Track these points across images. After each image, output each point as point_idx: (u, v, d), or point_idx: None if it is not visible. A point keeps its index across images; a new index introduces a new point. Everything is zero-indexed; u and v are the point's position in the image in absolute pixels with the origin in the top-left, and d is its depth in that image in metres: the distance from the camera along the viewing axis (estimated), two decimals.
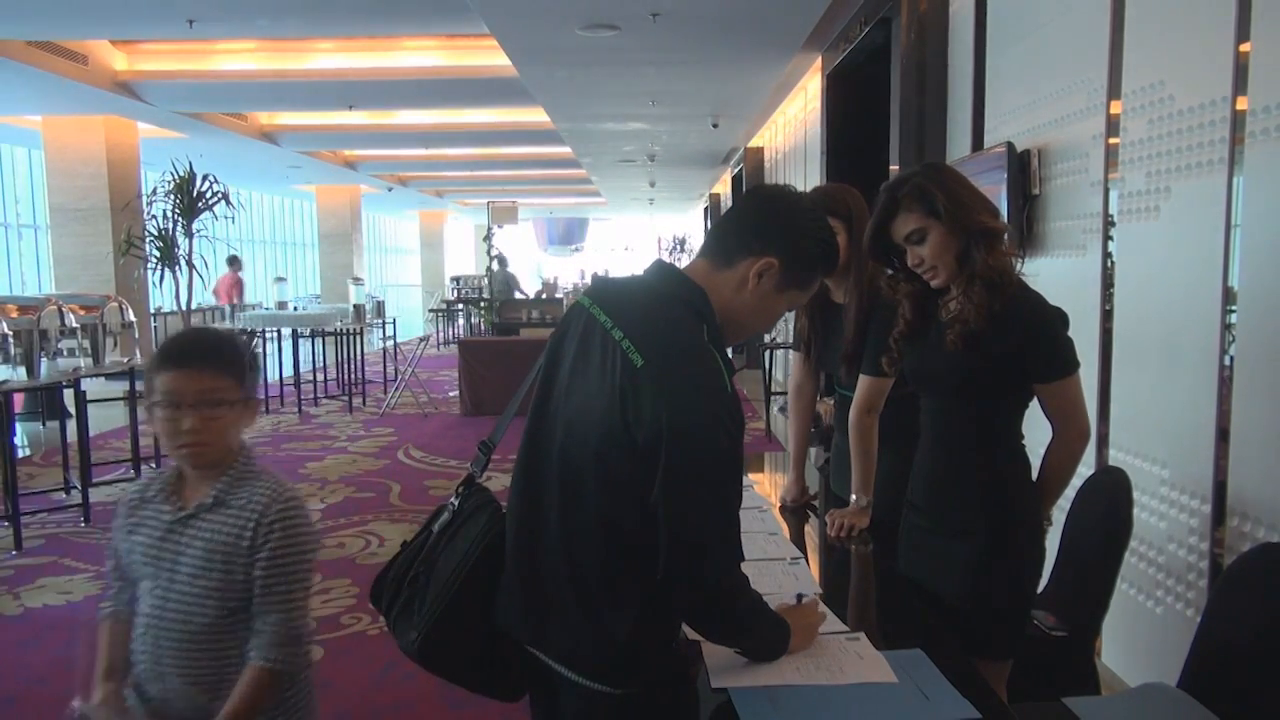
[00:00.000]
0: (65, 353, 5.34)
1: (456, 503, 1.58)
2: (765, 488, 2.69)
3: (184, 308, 9.57)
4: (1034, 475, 1.89)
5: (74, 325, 5.24)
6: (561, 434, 1.41)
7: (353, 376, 9.56)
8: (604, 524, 1.36)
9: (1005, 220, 2.00)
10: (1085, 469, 2.70)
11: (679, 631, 1.46)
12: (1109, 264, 2.85)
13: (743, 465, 1.42)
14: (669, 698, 1.43)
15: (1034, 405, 1.85)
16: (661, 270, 1.48)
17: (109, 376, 5.75)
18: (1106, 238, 2.86)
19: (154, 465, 6.07)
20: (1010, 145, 3.29)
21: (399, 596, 1.55)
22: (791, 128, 8.57)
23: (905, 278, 1.89)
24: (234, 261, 13.41)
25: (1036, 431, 1.88)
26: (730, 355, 1.44)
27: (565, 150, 12.15)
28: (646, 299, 1.44)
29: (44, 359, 4.98)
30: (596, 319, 1.42)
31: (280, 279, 13.94)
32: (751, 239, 1.44)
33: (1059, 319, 1.81)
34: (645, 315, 1.40)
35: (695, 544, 1.33)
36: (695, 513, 1.32)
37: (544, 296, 12.32)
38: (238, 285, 13.52)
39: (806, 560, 2.05)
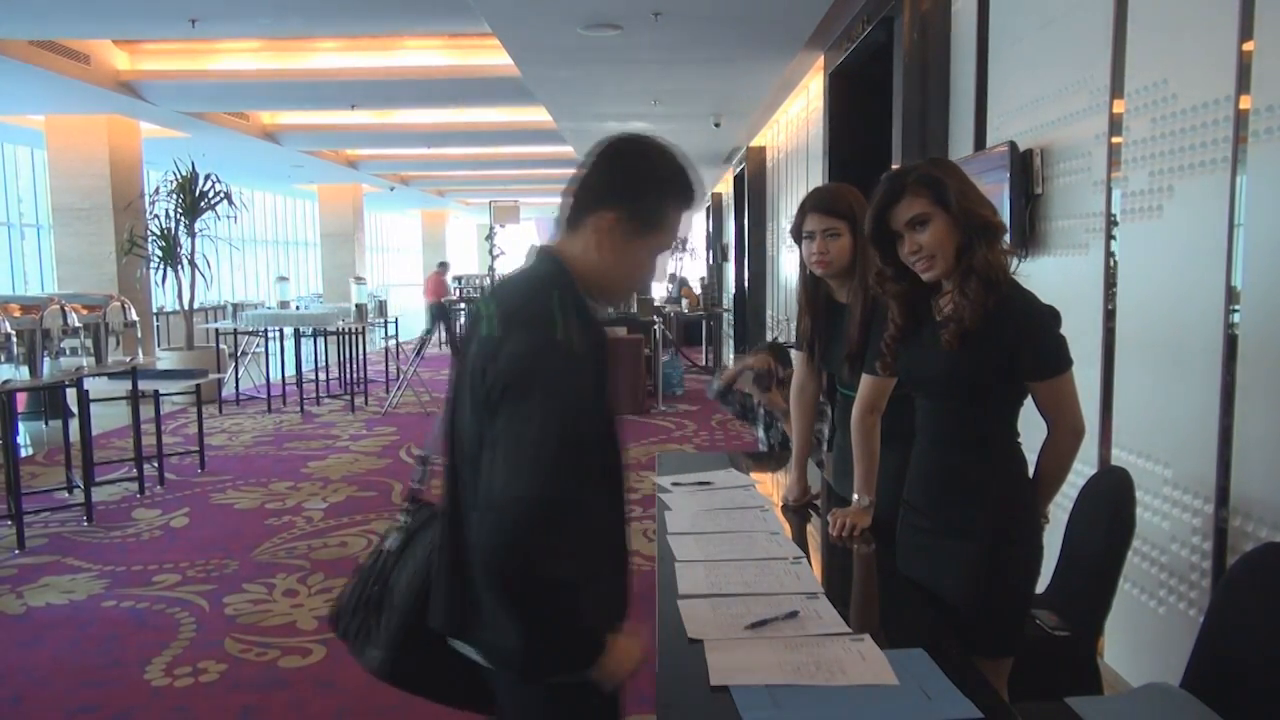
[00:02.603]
0: (68, 352, 5.34)
1: (405, 520, 1.60)
2: (767, 487, 2.69)
3: (186, 307, 9.60)
4: (1030, 473, 1.89)
5: (76, 325, 5.24)
6: (460, 423, 1.45)
7: (355, 376, 9.56)
8: None
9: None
10: (1088, 468, 2.71)
11: (598, 609, 1.45)
12: (1112, 263, 2.84)
13: (575, 434, 1.35)
14: (588, 688, 1.42)
15: (1030, 403, 1.85)
16: (533, 251, 1.55)
17: (111, 376, 5.75)
18: (1109, 237, 2.85)
19: (155, 465, 6.08)
20: (1013, 144, 3.29)
21: (355, 618, 1.56)
22: (793, 127, 8.56)
23: (894, 275, 1.89)
24: (443, 266, 14.99)
25: (1033, 430, 1.87)
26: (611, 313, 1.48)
27: (567, 150, 12.14)
28: (517, 280, 1.52)
29: (47, 358, 4.98)
30: (482, 311, 1.47)
31: (282, 278, 13.95)
32: (589, 198, 1.47)
33: (1051, 317, 1.81)
34: (510, 294, 1.48)
35: (497, 500, 1.31)
36: (505, 467, 1.32)
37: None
38: (442, 285, 15.07)
39: (809, 560, 2.05)
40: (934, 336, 1.84)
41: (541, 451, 1.31)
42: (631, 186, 1.45)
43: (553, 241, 1.52)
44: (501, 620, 1.39)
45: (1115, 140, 2.79)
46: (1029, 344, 1.77)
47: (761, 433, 3.50)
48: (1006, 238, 1.85)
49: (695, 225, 22.02)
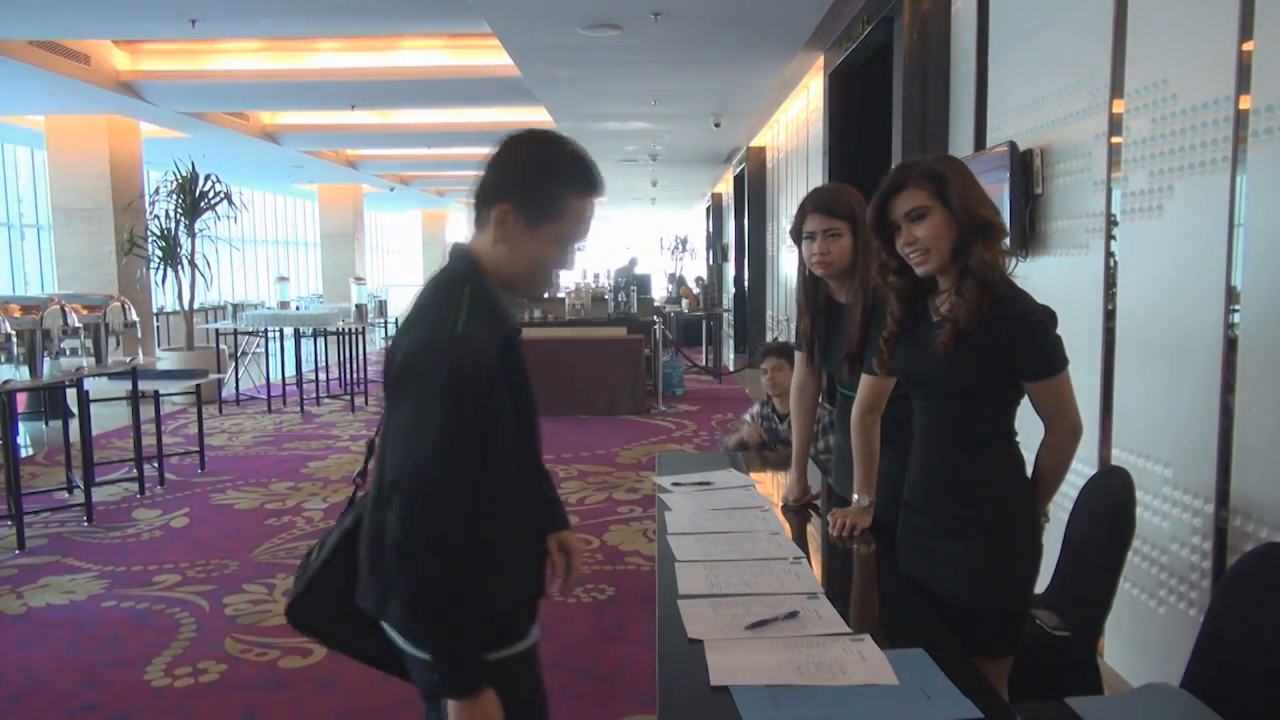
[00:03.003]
0: (68, 352, 5.34)
1: (357, 499, 1.70)
2: (767, 487, 2.69)
3: (186, 307, 9.60)
4: (1028, 472, 1.89)
5: (77, 325, 5.23)
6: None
7: (355, 376, 9.56)
8: None
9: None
10: (1088, 469, 2.71)
11: (511, 592, 1.52)
12: (1112, 263, 2.84)
13: (461, 425, 1.40)
14: (506, 665, 1.48)
15: (1028, 403, 1.85)
16: (450, 250, 1.58)
17: (111, 376, 5.75)
18: (1109, 237, 2.85)
19: (155, 465, 6.08)
20: (1013, 144, 3.29)
21: (298, 577, 1.67)
22: (794, 127, 8.56)
23: (897, 268, 1.89)
24: None
25: (1032, 430, 1.87)
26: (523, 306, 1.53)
27: None
28: (434, 277, 1.57)
29: (47, 358, 4.98)
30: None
31: (282, 278, 13.94)
32: (488, 193, 1.51)
33: (1046, 317, 1.81)
34: (422, 291, 1.56)
35: (389, 486, 1.41)
36: (396, 452, 1.42)
37: (545, 296, 12.30)
38: None
39: (808, 560, 2.05)
40: (931, 336, 1.84)
41: (422, 443, 1.39)
42: (524, 176, 1.49)
43: (468, 239, 1.57)
44: (402, 600, 1.43)
45: (1115, 140, 2.79)
46: (1024, 345, 1.77)
47: None
48: (1007, 240, 1.84)
49: (695, 225, 22.04)
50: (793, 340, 2.69)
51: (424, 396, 1.40)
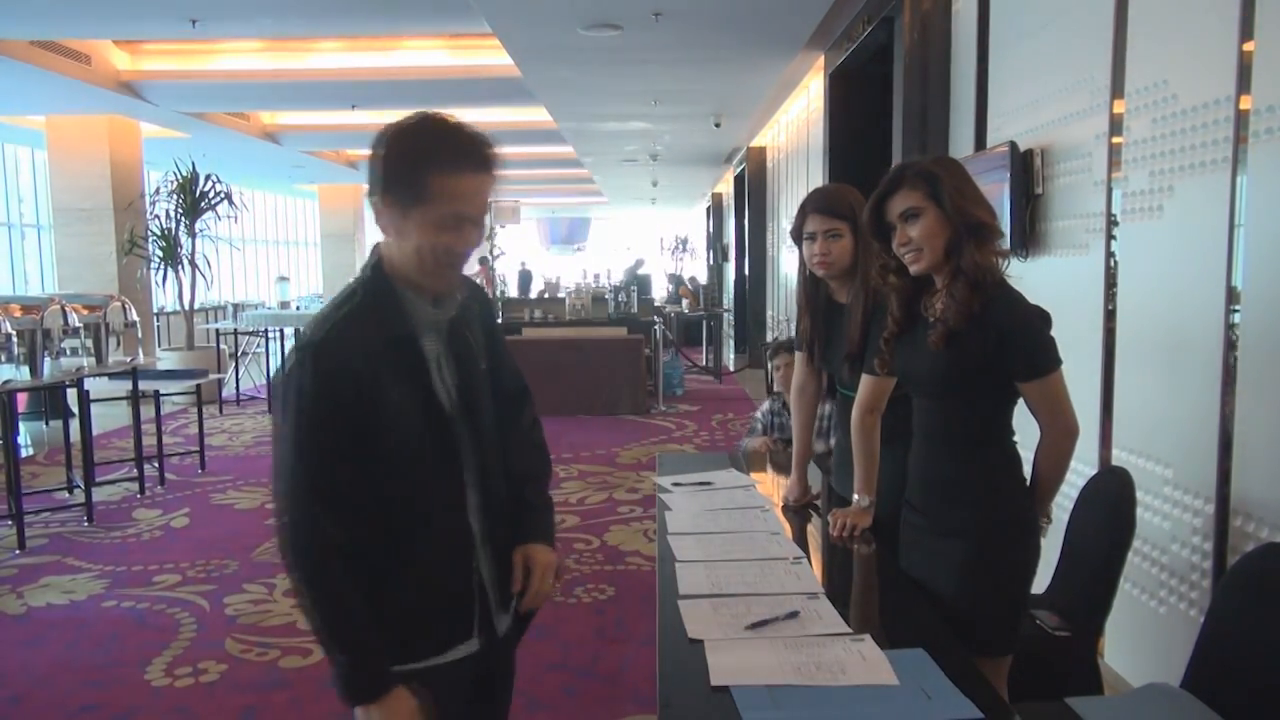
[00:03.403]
0: (68, 352, 5.35)
1: None
2: (768, 487, 2.69)
3: (187, 307, 9.61)
4: (1025, 471, 1.89)
5: (77, 325, 5.24)
6: None
7: None
8: None
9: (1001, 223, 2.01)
10: (1088, 469, 2.71)
11: (413, 597, 1.49)
12: (1112, 263, 2.84)
13: (312, 432, 1.41)
14: (431, 675, 1.48)
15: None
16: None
17: (112, 376, 5.75)
18: (1109, 237, 2.85)
19: (156, 465, 6.09)
20: (1013, 144, 3.29)
21: None
22: (794, 127, 8.56)
23: (896, 268, 1.90)
24: (483, 261, 14.86)
25: (1031, 429, 1.88)
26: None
27: (568, 150, 12.14)
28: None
29: (47, 358, 4.99)
30: None
31: (283, 278, 13.96)
32: (370, 192, 1.48)
33: (1038, 317, 1.82)
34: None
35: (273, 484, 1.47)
36: (273, 460, 1.47)
37: (546, 296, 12.31)
38: (489, 280, 14.99)
39: (809, 560, 2.05)
40: (926, 336, 1.85)
41: (279, 456, 1.44)
42: (385, 167, 1.43)
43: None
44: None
45: (1115, 140, 2.79)
46: (1014, 345, 1.77)
47: None
48: (1005, 242, 1.85)
49: (696, 225, 22.04)
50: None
51: (278, 409, 1.45)
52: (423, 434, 1.49)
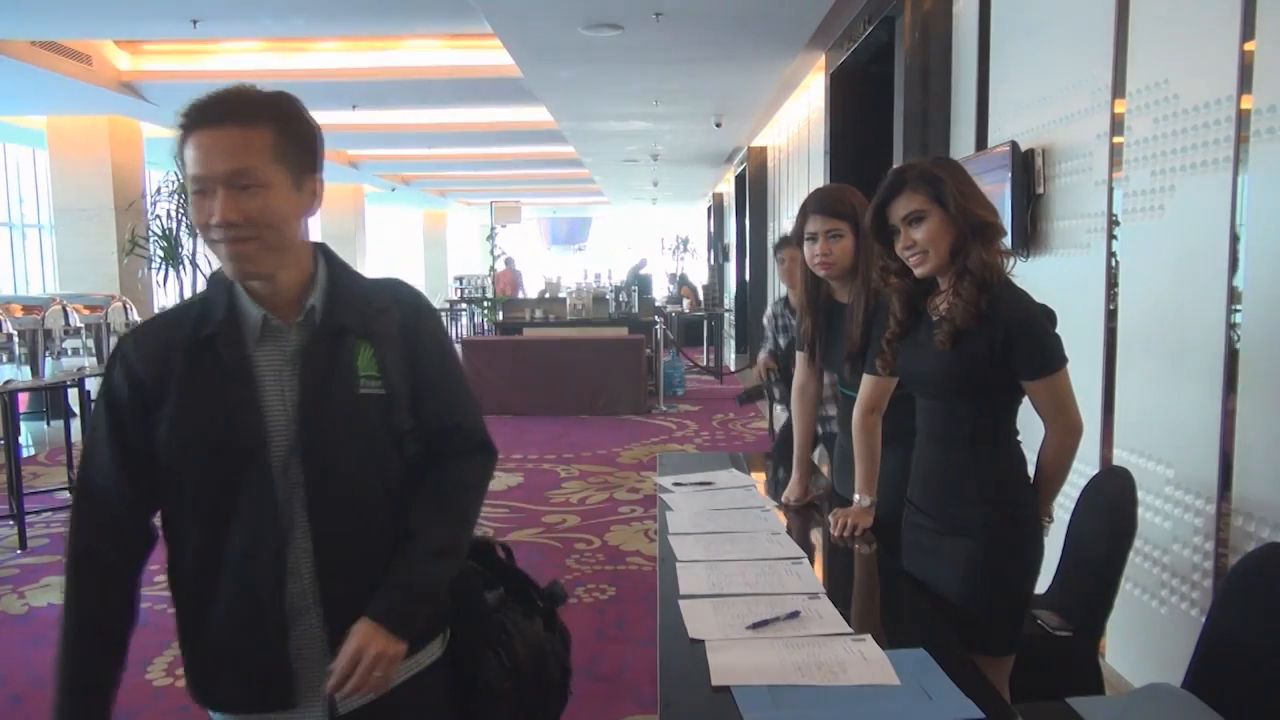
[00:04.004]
0: (70, 352, 5.35)
1: None
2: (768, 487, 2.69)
3: None
4: (1029, 471, 1.89)
5: (78, 325, 5.26)
6: None
7: None
8: None
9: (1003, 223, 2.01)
10: (1089, 468, 2.71)
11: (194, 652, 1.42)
12: (1113, 263, 2.84)
13: (98, 439, 1.36)
14: None
15: (1029, 402, 1.85)
16: None
17: None
18: (1111, 237, 2.85)
19: None
20: (1014, 144, 3.28)
21: None
22: (795, 127, 8.56)
23: (898, 270, 1.90)
24: (509, 262, 15.19)
25: (1033, 428, 1.87)
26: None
27: (568, 150, 12.13)
28: None
29: (48, 358, 5.00)
30: None
31: None
32: None
33: (1044, 316, 1.82)
34: None
35: None
36: None
37: (547, 296, 12.31)
38: (513, 281, 15.20)
39: (810, 560, 2.05)
40: (930, 336, 1.85)
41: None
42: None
43: None
44: None
45: (1117, 140, 2.79)
46: (1020, 343, 1.77)
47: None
48: (1007, 240, 1.85)
49: (696, 225, 22.04)
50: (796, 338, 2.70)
51: None
52: (219, 465, 1.28)
